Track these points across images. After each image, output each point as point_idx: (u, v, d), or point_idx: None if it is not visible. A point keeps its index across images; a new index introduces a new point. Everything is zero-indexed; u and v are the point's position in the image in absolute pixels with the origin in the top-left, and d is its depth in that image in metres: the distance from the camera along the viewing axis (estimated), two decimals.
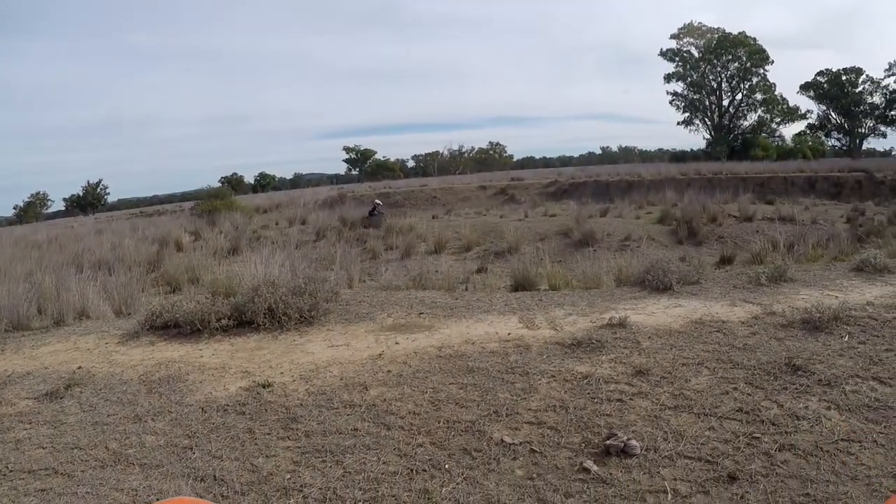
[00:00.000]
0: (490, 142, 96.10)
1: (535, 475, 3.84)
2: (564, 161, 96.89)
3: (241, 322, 7.35)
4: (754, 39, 68.86)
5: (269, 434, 4.54)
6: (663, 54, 72.45)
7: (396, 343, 6.56)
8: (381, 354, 6.19)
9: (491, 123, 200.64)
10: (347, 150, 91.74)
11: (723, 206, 25.31)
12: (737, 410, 4.66)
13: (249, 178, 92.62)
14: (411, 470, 3.93)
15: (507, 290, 10.05)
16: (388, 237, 20.17)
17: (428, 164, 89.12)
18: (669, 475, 3.80)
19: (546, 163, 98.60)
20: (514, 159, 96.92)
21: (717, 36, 69.11)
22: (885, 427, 4.32)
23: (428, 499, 3.61)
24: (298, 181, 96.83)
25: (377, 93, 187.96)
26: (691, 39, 70.79)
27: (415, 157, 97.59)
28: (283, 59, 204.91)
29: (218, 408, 5.08)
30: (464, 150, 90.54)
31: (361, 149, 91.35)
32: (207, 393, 5.44)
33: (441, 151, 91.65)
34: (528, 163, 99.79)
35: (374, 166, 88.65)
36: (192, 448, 4.37)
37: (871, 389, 4.96)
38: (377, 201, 27.08)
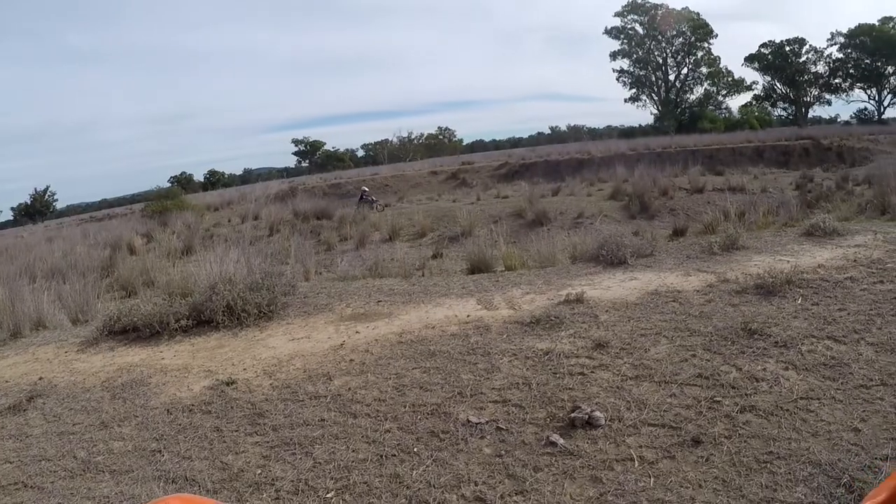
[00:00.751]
0: (439, 127, 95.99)
1: (503, 452, 3.89)
2: (514, 142, 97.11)
3: (201, 321, 7.28)
4: (698, 14, 70.27)
5: (236, 431, 4.52)
6: (608, 32, 73.29)
7: (357, 332, 6.55)
8: (342, 344, 6.18)
9: (439, 109, 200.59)
10: (296, 142, 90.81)
11: (673, 180, 25.72)
12: (697, 376, 4.76)
13: (199, 177, 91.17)
14: (381, 456, 3.95)
15: (464, 273, 10.09)
16: (341, 227, 20.10)
17: (378, 153, 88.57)
18: (635, 443, 3.87)
19: (496, 145, 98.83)
20: (464, 143, 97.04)
21: (661, 12, 70.03)
22: (842, 383, 4.47)
23: (399, 483, 3.63)
24: (248, 176, 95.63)
25: (324, 83, 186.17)
26: (635, 16, 71.59)
27: (364, 147, 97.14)
28: (227, 54, 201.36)
29: (183, 408, 5.04)
30: (413, 136, 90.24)
31: (310, 140, 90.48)
32: (172, 394, 5.39)
33: (390, 139, 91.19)
34: (478, 146, 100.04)
35: (323, 157, 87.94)
36: (160, 451, 4.34)
37: (827, 348, 5.13)
38: (364, 188, 27.69)
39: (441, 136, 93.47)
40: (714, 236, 9.93)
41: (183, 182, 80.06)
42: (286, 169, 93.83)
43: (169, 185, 67.34)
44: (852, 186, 20.98)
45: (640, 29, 71.93)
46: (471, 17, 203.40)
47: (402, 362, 5.52)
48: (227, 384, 5.40)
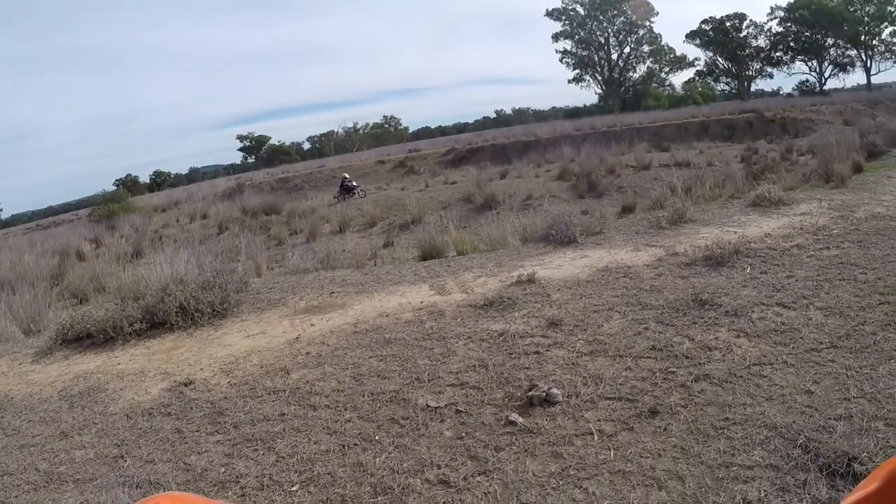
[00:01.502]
0: (384, 116, 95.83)
1: (463, 434, 3.91)
2: (460, 128, 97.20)
3: (155, 324, 7.16)
4: None
5: (197, 431, 4.48)
6: (549, 14, 73.59)
7: (312, 325, 6.51)
8: (297, 338, 6.14)
9: (384, 98, 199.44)
10: (241, 138, 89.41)
11: (620, 158, 26.03)
12: (650, 349, 4.84)
13: (144, 178, 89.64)
14: (343, 446, 3.95)
15: (416, 260, 10.09)
16: (290, 221, 19.92)
17: (324, 145, 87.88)
18: (593, 417, 3.92)
19: (442, 131, 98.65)
20: (410, 131, 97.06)
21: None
22: (793, 348, 4.59)
23: (363, 471, 3.64)
24: (195, 175, 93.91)
25: (267, 77, 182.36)
26: None
27: (310, 139, 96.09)
28: (168, 51, 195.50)
29: (143, 412, 4.96)
30: (359, 126, 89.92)
31: (255, 136, 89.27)
32: (130, 399, 5.29)
33: (336, 130, 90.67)
34: (424, 133, 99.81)
35: (269, 152, 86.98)
36: (122, 456, 4.27)
37: (777, 315, 5.26)
38: (345, 175, 27.10)
39: (387, 125, 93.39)
40: (662, 211, 10.07)
41: (128, 184, 78.68)
42: (232, 166, 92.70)
43: (114, 188, 65.93)
44: (796, 157, 21.48)
45: (581, 10, 72.60)
46: (413, 4, 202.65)
47: (359, 352, 5.50)
48: (185, 385, 5.33)
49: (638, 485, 3.24)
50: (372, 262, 11.04)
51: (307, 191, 32.23)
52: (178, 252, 9.73)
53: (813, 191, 11.11)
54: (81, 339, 7.13)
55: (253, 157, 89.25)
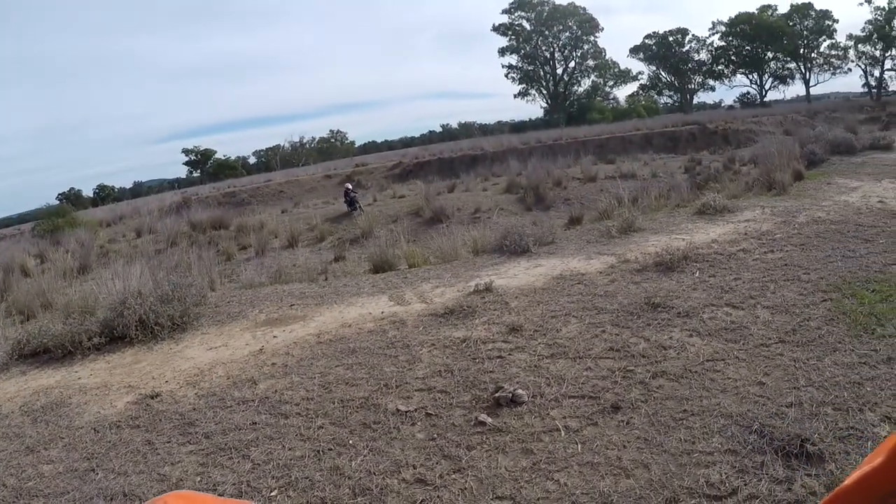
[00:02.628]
0: (331, 130, 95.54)
1: (435, 435, 4.07)
2: (406, 142, 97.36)
3: (114, 338, 7.12)
4: (584, 9, 72.74)
5: (168, 442, 4.52)
6: (496, 29, 74.63)
7: (274, 337, 6.60)
8: (261, 349, 6.22)
9: (331, 111, 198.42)
10: (186, 151, 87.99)
11: (566, 171, 26.46)
12: (608, 350, 5.10)
13: (88, 192, 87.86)
14: (318, 451, 4.06)
15: (367, 273, 10.19)
16: (239, 236, 19.76)
17: (270, 159, 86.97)
18: (559, 415, 4.13)
19: (389, 146, 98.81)
20: (357, 145, 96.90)
21: (547, 8, 72.06)
22: (743, 345, 4.91)
23: (340, 474, 3.76)
24: (139, 189, 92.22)
25: (212, 90, 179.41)
26: (522, 13, 73.31)
27: (256, 153, 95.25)
28: (112, 61, 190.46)
29: (110, 425, 4.97)
30: (305, 141, 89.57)
31: (201, 149, 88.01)
32: (95, 413, 5.29)
33: (283, 144, 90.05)
34: (371, 147, 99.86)
35: (215, 166, 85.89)
36: (93, 469, 4.28)
37: (726, 314, 5.59)
38: (347, 185, 25.22)
39: (333, 140, 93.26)
40: (611, 221, 10.40)
41: (72, 198, 76.99)
42: (177, 180, 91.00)
43: (57, 202, 64.36)
44: (739, 167, 22.15)
45: (527, 25, 73.78)
46: (359, 17, 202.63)
47: (325, 361, 5.62)
48: (152, 397, 5.36)
49: (606, 474, 3.45)
50: (323, 276, 11.11)
51: (254, 205, 31.85)
52: (131, 266, 9.65)
53: (756, 198, 11.60)
54: (38, 355, 7.07)
55: (198, 171, 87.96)
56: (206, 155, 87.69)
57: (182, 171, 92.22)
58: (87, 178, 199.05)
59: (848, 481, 1.09)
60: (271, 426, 4.51)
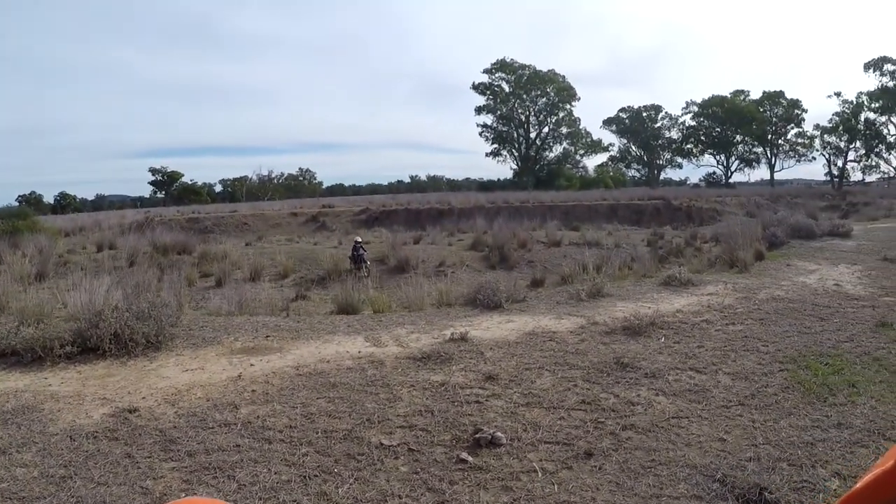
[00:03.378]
0: (300, 168, 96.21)
1: (419, 469, 4.34)
2: (374, 189, 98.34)
3: (86, 349, 7.19)
4: (563, 77, 74.78)
5: (149, 457, 4.63)
6: (475, 87, 76.27)
7: (251, 365, 6.80)
8: (239, 376, 6.41)
9: (302, 149, 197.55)
10: (154, 171, 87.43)
11: (532, 233, 27.01)
12: (580, 402, 5.47)
13: (49, 198, 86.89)
14: (304, 476, 4.27)
15: (330, 314, 10.40)
16: (202, 263, 19.72)
17: (236, 189, 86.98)
18: (535, 458, 4.46)
19: (355, 190, 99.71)
20: (324, 186, 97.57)
21: (527, 72, 73.96)
22: (706, 405, 5.36)
23: (327, 500, 3.97)
24: (101, 203, 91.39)
25: (185, 111, 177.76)
26: (503, 74, 75.08)
27: (223, 182, 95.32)
28: (87, 69, 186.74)
29: (87, 435, 5.05)
30: (273, 175, 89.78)
31: (168, 171, 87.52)
32: (70, 421, 5.37)
33: (250, 176, 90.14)
34: (338, 190, 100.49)
35: (180, 189, 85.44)
36: (70, 477, 4.35)
37: (690, 378, 6.04)
38: (357, 239, 21.75)
39: (301, 178, 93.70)
40: (580, 285, 10.83)
41: (32, 202, 75.80)
42: (140, 199, 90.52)
43: (17, 203, 62.98)
44: (700, 244, 22.89)
45: (506, 87, 75.51)
46: (342, 59, 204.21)
47: (305, 393, 5.85)
48: (130, 412, 5.47)
49: None
50: (284, 312, 11.28)
51: (217, 234, 31.66)
52: (96, 280, 9.73)
53: (719, 274, 12.21)
54: (6, 356, 7.12)
55: (163, 192, 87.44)
56: (173, 177, 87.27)
57: (146, 190, 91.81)
58: (50, 183, 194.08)
59: (858, 485, 1.12)
60: (255, 450, 4.67)
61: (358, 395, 5.74)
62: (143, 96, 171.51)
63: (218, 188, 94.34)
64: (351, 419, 5.21)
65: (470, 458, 4.44)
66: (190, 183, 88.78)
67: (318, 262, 20.11)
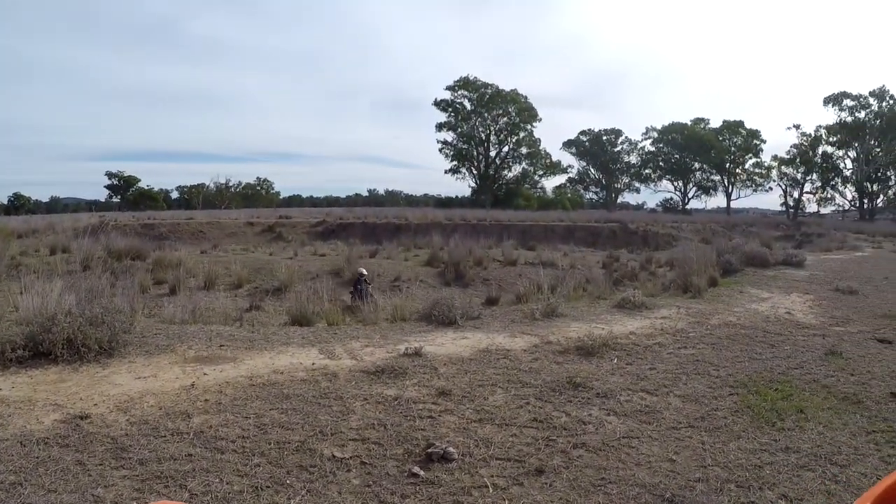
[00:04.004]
0: (258, 177, 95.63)
1: (371, 483, 4.35)
2: (331, 201, 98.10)
3: (37, 353, 7.06)
4: (525, 97, 75.54)
5: (101, 465, 4.56)
6: (437, 104, 76.67)
7: (205, 374, 6.74)
8: (192, 385, 6.34)
9: (260, 158, 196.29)
10: (110, 175, 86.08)
11: (488, 251, 27.15)
12: (532, 420, 5.54)
13: (2, 199, 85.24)
14: (256, 487, 4.24)
15: (286, 326, 10.34)
16: (156, 270, 19.43)
17: (193, 197, 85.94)
18: (487, 473, 4.50)
19: (312, 202, 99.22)
20: (281, 197, 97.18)
21: (490, 91, 74.56)
22: (656, 426, 5.45)
23: None
24: (55, 205, 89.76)
25: (144, 116, 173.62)
26: (465, 92, 75.56)
27: (179, 188, 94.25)
28: (44, 69, 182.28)
29: (38, 441, 4.96)
30: (231, 184, 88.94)
31: (125, 175, 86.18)
32: (21, 427, 5.27)
33: (208, 184, 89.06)
34: (295, 201, 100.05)
35: (136, 195, 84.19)
36: (21, 483, 4.28)
37: (641, 399, 6.14)
38: (362, 270, 19.68)
39: (259, 187, 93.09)
40: (533, 304, 10.93)
41: None
42: (96, 202, 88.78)
43: None
44: (655, 268, 23.22)
45: (468, 104, 76.04)
46: (304, 70, 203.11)
47: (259, 403, 5.82)
48: (82, 418, 5.39)
49: None
50: (238, 322, 11.19)
51: (172, 241, 31.09)
52: (48, 284, 9.54)
53: (672, 298, 12.41)
54: None
55: (118, 197, 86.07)
56: (129, 182, 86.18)
57: (102, 194, 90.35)
58: (2, 184, 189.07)
59: (876, 489, 1.17)
60: (207, 459, 4.63)
61: (311, 407, 5.72)
62: (102, 99, 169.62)
63: (175, 195, 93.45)
64: (304, 431, 5.19)
65: (422, 473, 4.46)
66: (146, 188, 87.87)
67: (273, 273, 19.92)
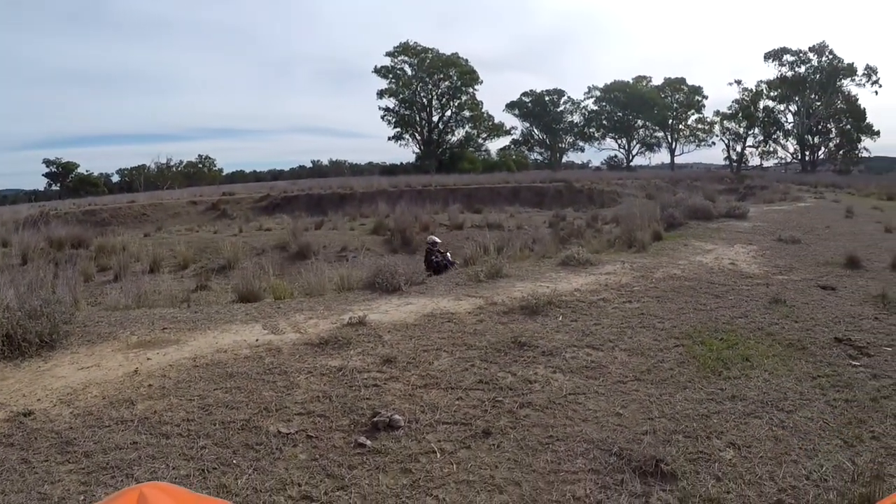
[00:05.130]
0: (199, 155, 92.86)
1: (318, 456, 4.28)
2: (275, 175, 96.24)
3: None
4: (466, 60, 74.86)
5: (46, 461, 4.42)
6: (377, 71, 75.16)
7: (148, 359, 6.53)
8: (136, 371, 6.15)
9: (201, 135, 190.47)
10: (48, 163, 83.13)
11: (434, 216, 27.21)
12: (478, 382, 5.50)
13: None
14: (203, 470, 4.15)
15: (233, 303, 10.14)
16: (99, 257, 18.97)
17: (134, 179, 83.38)
18: (434, 439, 4.46)
19: (256, 176, 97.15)
20: (224, 173, 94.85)
21: (430, 56, 73.81)
22: (602, 381, 5.47)
23: (227, 492, 3.88)
24: None
25: (78, 99, 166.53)
26: (406, 58, 74.59)
27: (120, 171, 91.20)
28: None
29: None
30: (172, 163, 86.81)
31: (63, 162, 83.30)
32: None
33: (149, 165, 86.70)
34: (238, 176, 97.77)
35: (76, 181, 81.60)
36: None
37: (587, 355, 6.15)
38: (434, 238, 17.05)
39: (201, 165, 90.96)
40: (480, 266, 10.87)
41: None
42: (35, 192, 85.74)
43: None
44: (602, 225, 23.45)
45: (408, 70, 75.03)
46: (240, 43, 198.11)
47: (203, 384, 5.67)
48: (25, 415, 5.19)
49: (481, 490, 3.81)
50: (186, 303, 10.95)
51: (115, 226, 30.41)
52: None
53: (617, 254, 12.47)
54: None
55: (58, 185, 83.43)
56: (68, 168, 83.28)
57: (41, 183, 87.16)
58: None
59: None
60: (153, 446, 4.52)
61: (255, 384, 5.60)
62: (34, 83, 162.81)
63: (115, 178, 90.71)
64: (248, 409, 5.08)
65: (368, 443, 4.41)
66: (86, 174, 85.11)
67: (218, 251, 19.71)
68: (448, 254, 15.91)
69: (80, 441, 4.66)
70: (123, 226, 31.32)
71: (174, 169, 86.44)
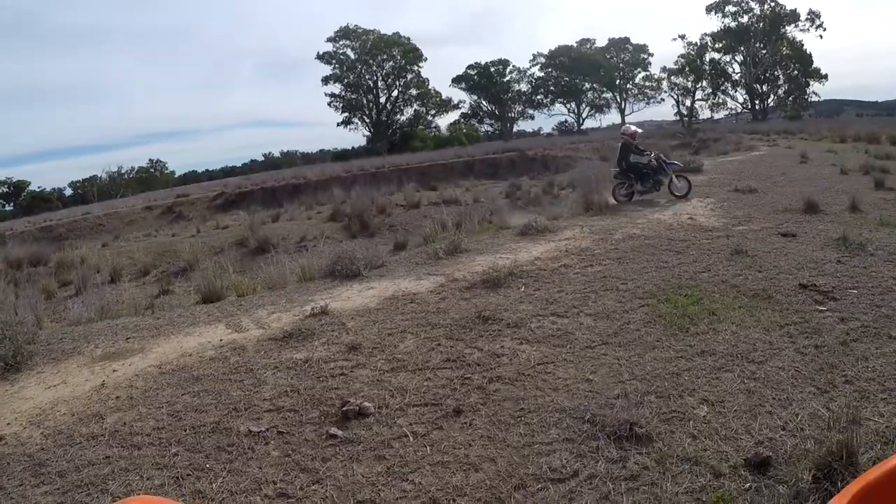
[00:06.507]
0: (150, 159, 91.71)
1: (290, 452, 4.22)
2: (228, 172, 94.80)
3: None
4: (408, 39, 74.52)
5: (21, 485, 4.30)
6: (320, 57, 74.62)
7: (114, 370, 6.39)
8: (103, 384, 6.00)
9: (149, 140, 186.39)
10: None
11: (390, 198, 27.02)
12: (445, 361, 5.47)
13: None
14: (177, 477, 4.07)
15: (198, 304, 9.97)
16: (59, 272, 18.59)
17: (87, 191, 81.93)
18: (405, 422, 4.41)
19: (210, 175, 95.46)
20: (177, 175, 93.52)
21: (372, 37, 73.15)
22: (570, 348, 5.46)
23: (203, 497, 3.81)
24: None
25: (22, 116, 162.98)
26: (347, 42, 73.95)
27: (72, 185, 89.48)
28: None
29: None
30: (123, 171, 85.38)
31: (14, 181, 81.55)
32: None
33: (100, 175, 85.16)
34: (192, 177, 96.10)
35: (29, 199, 79.75)
36: None
37: (552, 323, 6.14)
38: (632, 127, 16.02)
39: (153, 169, 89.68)
40: (438, 243, 10.81)
41: None
42: None
43: None
44: (558, 191, 23.45)
45: (351, 54, 74.41)
46: (179, 42, 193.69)
47: (170, 391, 5.56)
48: None
49: (457, 470, 3.76)
50: (150, 310, 10.74)
51: (73, 240, 29.80)
52: None
53: (575, 219, 12.45)
54: None
55: (11, 204, 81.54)
56: (20, 187, 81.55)
57: None
58: None
59: (874, 473, 1.12)
60: (125, 458, 4.43)
61: (222, 385, 5.50)
62: None
63: (68, 192, 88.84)
64: (217, 411, 4.99)
65: (340, 433, 4.36)
66: (38, 190, 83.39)
67: (177, 254, 19.48)
68: (662, 155, 14.69)
69: (53, 461, 4.55)
70: (81, 238, 30.70)
71: (126, 176, 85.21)
